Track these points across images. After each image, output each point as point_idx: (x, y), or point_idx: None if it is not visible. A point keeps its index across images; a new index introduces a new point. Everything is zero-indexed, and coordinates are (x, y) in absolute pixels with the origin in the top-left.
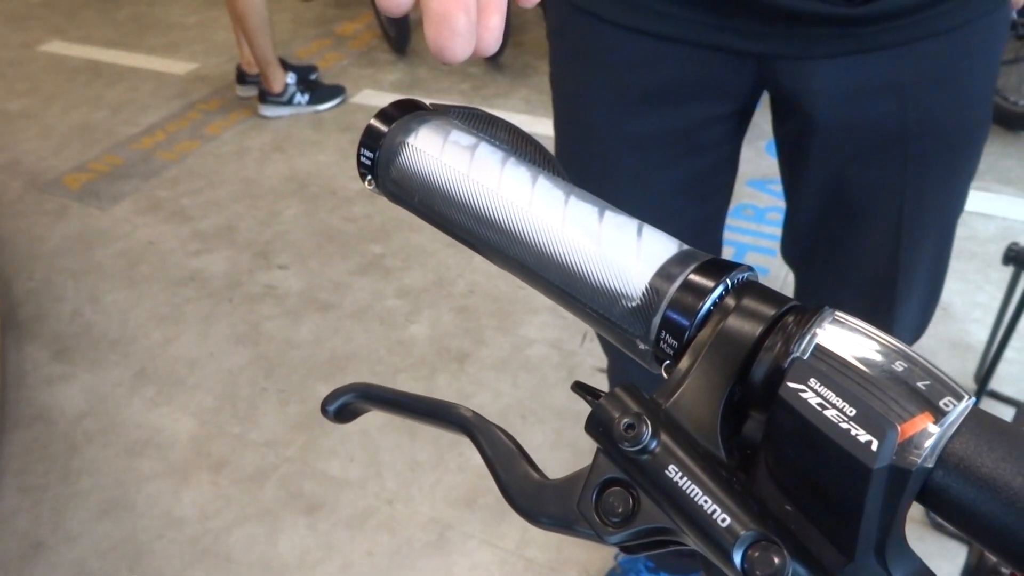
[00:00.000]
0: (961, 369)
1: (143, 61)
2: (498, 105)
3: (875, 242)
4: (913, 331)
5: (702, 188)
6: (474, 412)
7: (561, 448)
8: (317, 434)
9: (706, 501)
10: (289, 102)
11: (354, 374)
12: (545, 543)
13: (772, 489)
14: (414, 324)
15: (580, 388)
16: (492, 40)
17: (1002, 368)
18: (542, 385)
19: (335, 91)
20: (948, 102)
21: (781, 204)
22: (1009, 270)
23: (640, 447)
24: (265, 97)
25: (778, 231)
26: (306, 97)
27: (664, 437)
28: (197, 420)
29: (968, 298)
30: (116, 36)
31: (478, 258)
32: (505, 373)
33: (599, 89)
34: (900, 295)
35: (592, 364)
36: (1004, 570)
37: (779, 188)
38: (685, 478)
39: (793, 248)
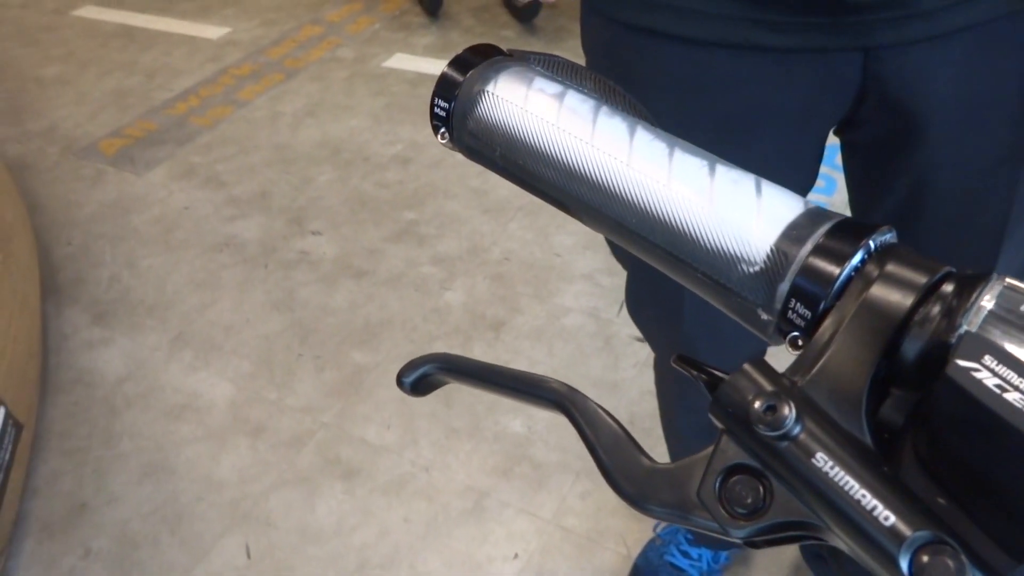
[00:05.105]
0: None
1: (175, 26)
2: None
3: (973, 242)
4: None
5: None
6: (569, 386)
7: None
8: (353, 400)
9: (864, 496)
10: None
11: (389, 341)
12: (583, 512)
13: (922, 479)
14: (449, 291)
15: (684, 362)
16: None
17: None
18: (578, 354)
19: None
20: None
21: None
22: None
23: (781, 432)
24: None
25: (820, 198)
26: None
27: (808, 421)
28: (234, 385)
29: None
30: (148, 0)
31: (513, 224)
32: (541, 342)
33: (660, 117)
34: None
35: (628, 333)
36: None
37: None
38: (837, 468)
39: None
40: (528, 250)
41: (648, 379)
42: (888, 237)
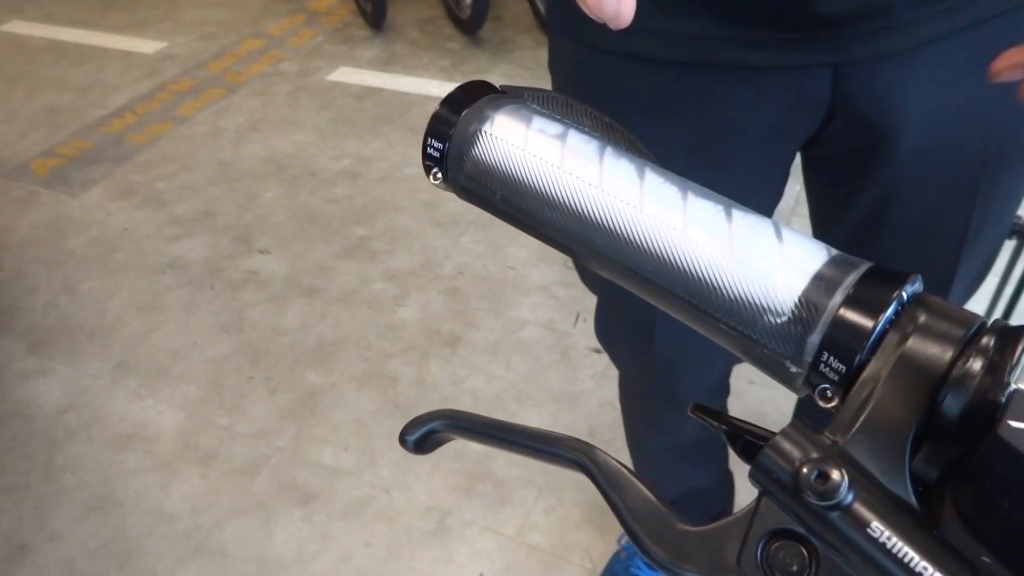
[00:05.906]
0: None
1: (109, 40)
2: None
3: (933, 253)
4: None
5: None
6: (588, 444)
7: (558, 431)
8: (308, 423)
9: (926, 568)
10: None
11: (344, 360)
12: (547, 528)
13: (965, 536)
14: (403, 308)
15: (702, 412)
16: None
17: None
18: (536, 367)
19: None
20: None
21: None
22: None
23: (834, 502)
24: None
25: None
26: None
27: (859, 488)
28: (183, 412)
29: None
30: (78, 14)
31: (465, 238)
32: (498, 356)
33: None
34: (952, 292)
35: (586, 344)
36: None
37: None
38: (894, 539)
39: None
40: (481, 263)
41: (607, 390)
42: (916, 286)
